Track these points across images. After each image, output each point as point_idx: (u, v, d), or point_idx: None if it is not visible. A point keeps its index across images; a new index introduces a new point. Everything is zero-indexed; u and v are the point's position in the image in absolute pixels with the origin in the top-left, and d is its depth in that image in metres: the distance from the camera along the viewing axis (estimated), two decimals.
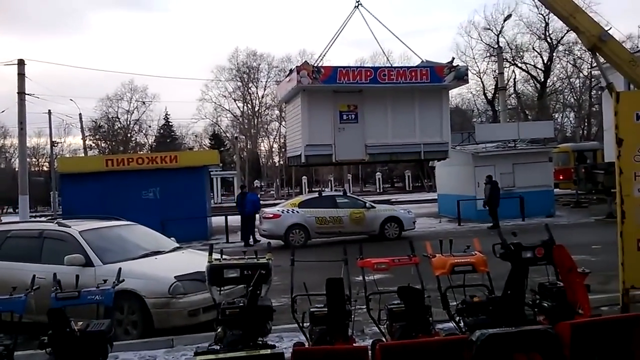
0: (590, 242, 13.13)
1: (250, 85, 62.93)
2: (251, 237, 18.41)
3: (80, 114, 48.74)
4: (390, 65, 21.85)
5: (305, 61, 16.85)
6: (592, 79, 47.19)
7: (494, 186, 18.91)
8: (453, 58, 18.02)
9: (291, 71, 18.03)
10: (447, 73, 17.06)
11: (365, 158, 17.18)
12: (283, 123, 59.59)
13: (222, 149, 59.19)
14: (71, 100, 58.92)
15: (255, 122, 63.96)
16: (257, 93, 63.27)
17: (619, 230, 6.83)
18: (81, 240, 7.83)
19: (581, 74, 50.89)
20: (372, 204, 17.50)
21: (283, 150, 61.20)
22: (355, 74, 16.59)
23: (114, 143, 63.01)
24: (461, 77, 17.50)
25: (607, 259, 9.25)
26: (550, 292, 5.30)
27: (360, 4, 16.41)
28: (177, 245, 9.13)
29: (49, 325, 4.91)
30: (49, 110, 44.37)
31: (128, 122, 63.80)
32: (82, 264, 7.41)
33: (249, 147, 64.96)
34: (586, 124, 53.83)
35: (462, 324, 5.33)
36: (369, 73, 16.69)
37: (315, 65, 16.70)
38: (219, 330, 5.03)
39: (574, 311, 5.00)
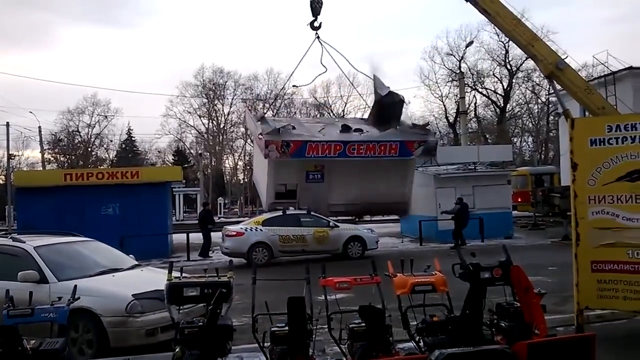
0: (546, 263, 13.42)
1: (216, 102, 62.71)
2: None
3: (39, 127, 47.62)
4: (354, 87, 22.32)
5: (275, 133, 16.82)
6: (550, 105, 48.92)
7: (464, 208, 19.29)
8: (428, 122, 18.64)
9: (262, 118, 18.84)
10: (417, 147, 17.50)
11: (327, 214, 17.85)
12: (248, 141, 59.52)
13: (185, 165, 58.57)
14: (31, 112, 57.31)
15: (221, 139, 63.59)
16: (222, 110, 63.15)
17: (574, 252, 7.01)
18: (36, 256, 7.60)
19: (539, 100, 52.72)
20: (336, 223, 17.51)
21: (248, 167, 61.02)
22: (324, 148, 16.99)
23: (73, 157, 61.65)
24: (430, 151, 17.92)
25: (563, 280, 9.46)
26: (508, 312, 5.40)
27: (318, 37, 16.74)
28: (136, 262, 8.94)
29: (0, 343, 4.74)
30: (7, 123, 43.21)
31: (89, 136, 62.69)
32: (36, 280, 7.18)
33: (213, 164, 64.44)
34: (544, 148, 55.50)
35: (421, 344, 5.37)
36: (338, 147, 17.02)
37: (285, 140, 16.79)
38: (177, 350, 4.94)
39: (530, 331, 5.10)
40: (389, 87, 20.03)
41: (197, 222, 23.37)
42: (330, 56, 17.53)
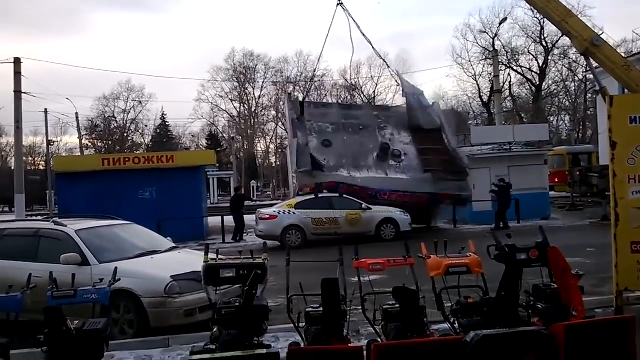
0: (584, 244, 13.18)
1: (247, 85, 62.99)
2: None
3: (76, 113, 48.57)
4: (387, 65, 22.19)
5: (308, 175, 17.94)
6: (587, 83, 47.51)
7: (506, 188, 18.95)
8: (465, 172, 18.66)
9: (301, 106, 19.80)
10: (448, 199, 17.87)
11: None
12: (280, 124, 59.66)
13: (218, 149, 59.18)
14: (68, 99, 58.55)
15: (252, 122, 63.97)
16: (253, 94, 63.42)
17: (613, 233, 6.88)
18: (77, 239, 7.83)
19: (576, 78, 51.23)
20: (369, 206, 17.47)
21: (280, 150, 61.27)
22: (355, 190, 17.79)
23: (110, 142, 62.95)
24: (462, 203, 18.03)
25: (601, 261, 9.30)
26: (545, 294, 5.33)
27: (342, 4, 16.34)
28: (174, 245, 9.13)
29: (45, 323, 4.92)
30: (45, 109, 44.23)
31: (124, 122, 63.83)
32: (78, 263, 7.41)
33: (245, 147, 64.94)
34: (581, 127, 54.08)
35: (456, 325, 5.35)
36: (370, 192, 17.83)
37: (318, 183, 17.73)
38: (215, 329, 5.04)
39: (568, 313, 5.03)
40: (413, 86, 19.95)
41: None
42: (360, 32, 17.28)
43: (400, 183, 18.34)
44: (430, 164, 18.79)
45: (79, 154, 50.61)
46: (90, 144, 62.03)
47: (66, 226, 8.18)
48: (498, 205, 18.92)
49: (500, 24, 46.99)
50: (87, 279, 6.61)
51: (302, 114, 19.82)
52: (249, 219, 19.78)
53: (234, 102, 63.89)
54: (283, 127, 62.10)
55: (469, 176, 18.91)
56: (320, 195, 17.35)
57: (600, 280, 8.77)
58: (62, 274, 6.23)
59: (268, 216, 17.21)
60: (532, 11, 44.77)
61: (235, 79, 62.31)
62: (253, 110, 63.78)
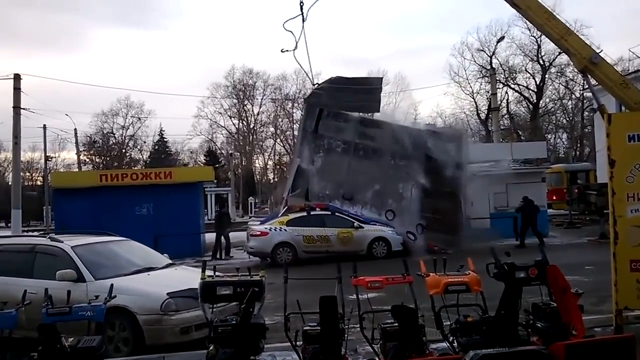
0: (583, 262, 13.12)
1: (245, 102, 63.25)
2: None
3: (75, 129, 48.68)
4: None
5: (300, 196, 18.44)
6: (585, 101, 47.75)
7: (527, 206, 18.73)
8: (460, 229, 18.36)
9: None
10: (435, 247, 17.31)
11: None
12: (278, 140, 59.81)
13: (217, 165, 59.08)
14: (66, 115, 58.89)
15: (251, 139, 64.14)
16: (252, 110, 63.70)
17: (612, 251, 6.84)
18: (73, 255, 7.77)
19: (573, 96, 51.49)
20: (360, 224, 17.34)
21: (278, 167, 61.32)
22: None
23: (108, 158, 62.88)
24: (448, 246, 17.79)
25: (601, 279, 9.24)
26: (544, 313, 5.31)
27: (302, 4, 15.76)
28: (170, 261, 9.07)
29: (40, 340, 4.87)
30: (44, 125, 44.33)
31: (123, 138, 63.88)
32: (73, 279, 7.34)
33: (243, 163, 64.99)
34: (579, 145, 54.25)
35: (455, 344, 5.31)
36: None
37: (309, 204, 17.87)
38: (211, 348, 5.00)
39: (567, 332, 4.99)
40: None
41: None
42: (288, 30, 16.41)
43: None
44: (431, 209, 18.42)
45: (77, 169, 50.55)
46: (88, 160, 61.92)
47: (62, 242, 8.13)
48: (523, 222, 18.63)
49: (497, 42, 47.38)
50: (83, 295, 6.53)
51: (318, 124, 18.92)
52: (236, 236, 19.67)
53: (232, 118, 64.23)
54: (281, 144, 62.34)
55: (461, 233, 18.40)
56: (312, 213, 17.23)
57: (600, 299, 8.70)
58: (57, 290, 6.20)
59: (259, 233, 17.08)
60: (530, 30, 45.40)
61: (234, 95, 62.66)
62: (252, 126, 63.99)
